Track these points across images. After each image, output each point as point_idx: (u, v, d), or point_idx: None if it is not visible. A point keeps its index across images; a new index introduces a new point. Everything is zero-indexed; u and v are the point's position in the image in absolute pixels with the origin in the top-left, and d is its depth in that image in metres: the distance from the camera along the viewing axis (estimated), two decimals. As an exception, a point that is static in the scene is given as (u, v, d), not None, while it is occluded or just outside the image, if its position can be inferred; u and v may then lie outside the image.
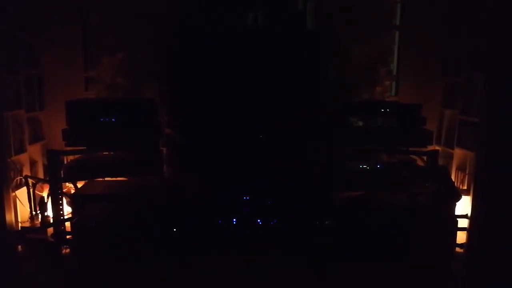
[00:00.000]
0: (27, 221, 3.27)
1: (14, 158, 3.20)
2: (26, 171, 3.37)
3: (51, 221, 3.06)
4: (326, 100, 3.19)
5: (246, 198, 2.99)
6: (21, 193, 3.25)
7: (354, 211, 2.91)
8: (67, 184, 3.32)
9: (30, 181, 3.22)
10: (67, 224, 2.96)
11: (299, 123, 3.07)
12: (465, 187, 3.36)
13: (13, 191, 3.10)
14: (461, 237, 2.89)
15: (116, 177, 3.28)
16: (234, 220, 2.92)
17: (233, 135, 3.05)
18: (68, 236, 2.94)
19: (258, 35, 3.14)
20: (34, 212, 3.26)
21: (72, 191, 3.16)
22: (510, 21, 2.42)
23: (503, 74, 2.49)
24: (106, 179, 3.28)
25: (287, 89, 3.05)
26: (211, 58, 3.03)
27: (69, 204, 3.08)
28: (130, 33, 3.39)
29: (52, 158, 2.89)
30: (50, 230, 3.03)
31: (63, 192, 3.03)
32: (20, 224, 3.17)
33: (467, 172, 3.36)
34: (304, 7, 3.32)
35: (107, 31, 3.44)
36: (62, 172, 2.94)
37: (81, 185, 3.23)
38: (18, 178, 3.26)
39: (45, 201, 3.16)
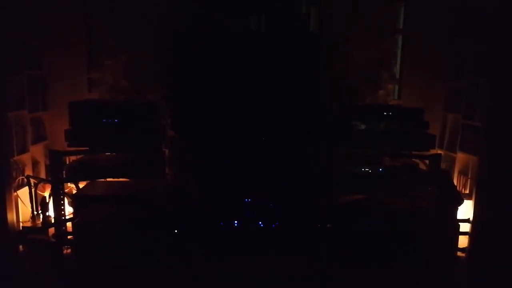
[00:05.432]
0: (29, 221, 3.27)
1: (16, 158, 3.20)
2: (29, 171, 3.37)
3: (53, 221, 3.06)
4: (328, 104, 3.19)
5: (247, 200, 2.99)
6: (23, 193, 3.26)
7: (356, 215, 2.91)
8: (69, 184, 3.33)
9: (32, 181, 3.23)
10: (69, 224, 2.97)
11: (302, 127, 3.07)
12: (467, 191, 3.35)
13: (15, 191, 3.11)
14: (463, 241, 2.88)
15: (118, 178, 3.28)
16: (236, 222, 2.93)
17: (235, 137, 3.05)
18: (69, 237, 2.94)
19: (260, 38, 3.14)
20: (35, 212, 3.26)
21: (74, 192, 3.17)
22: (511, 25, 2.43)
23: (505, 78, 2.49)
24: (108, 180, 3.28)
25: (289, 92, 3.05)
26: (213, 60, 3.03)
27: (70, 204, 3.08)
28: (133, 35, 3.41)
29: (55, 159, 2.90)
30: (52, 230, 3.03)
31: (65, 192, 3.03)
32: (21, 224, 3.18)
33: (469, 176, 3.35)
34: (307, 10, 3.33)
35: (110, 33, 3.46)
36: (64, 172, 2.95)
37: (83, 185, 3.23)
38: (20, 178, 3.27)
39: (47, 201, 3.17)
